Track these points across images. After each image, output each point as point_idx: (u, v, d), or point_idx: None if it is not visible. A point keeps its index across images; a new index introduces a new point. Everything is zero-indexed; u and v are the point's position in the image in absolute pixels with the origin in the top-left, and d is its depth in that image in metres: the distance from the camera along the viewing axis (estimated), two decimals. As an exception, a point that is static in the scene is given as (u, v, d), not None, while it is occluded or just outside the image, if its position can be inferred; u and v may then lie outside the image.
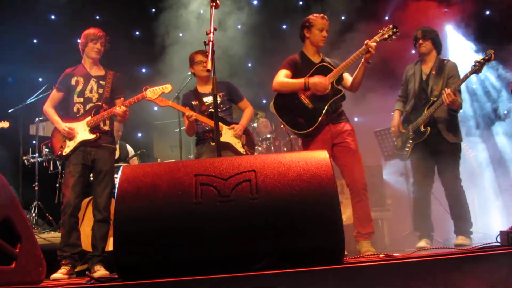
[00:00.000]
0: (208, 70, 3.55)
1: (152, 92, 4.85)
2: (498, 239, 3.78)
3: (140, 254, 2.36)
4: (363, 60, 4.57)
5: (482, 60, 4.81)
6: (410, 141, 5.19)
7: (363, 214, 4.61)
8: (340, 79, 4.73)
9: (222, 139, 5.12)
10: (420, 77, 5.23)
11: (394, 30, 4.62)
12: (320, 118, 4.58)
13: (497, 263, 2.36)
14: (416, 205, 5.30)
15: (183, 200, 2.40)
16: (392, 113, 5.46)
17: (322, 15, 4.81)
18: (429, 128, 5.06)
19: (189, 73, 6.13)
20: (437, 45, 5.24)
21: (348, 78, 4.86)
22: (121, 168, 2.63)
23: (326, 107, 4.60)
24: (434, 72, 5.15)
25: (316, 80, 4.57)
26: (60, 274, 4.26)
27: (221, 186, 2.43)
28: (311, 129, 4.60)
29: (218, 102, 5.20)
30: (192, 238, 2.36)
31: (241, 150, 5.20)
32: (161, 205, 2.40)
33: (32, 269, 2.78)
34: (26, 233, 2.77)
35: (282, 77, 4.74)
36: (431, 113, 5.02)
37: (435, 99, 5.03)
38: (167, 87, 4.93)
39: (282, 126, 4.83)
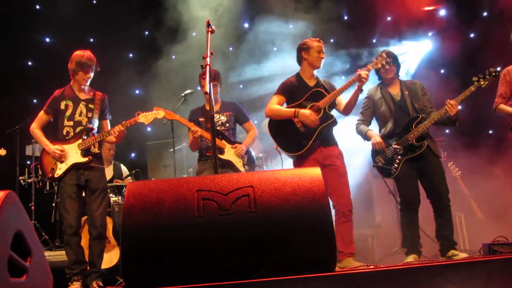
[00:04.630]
0: (206, 93, 3.68)
1: (144, 117, 4.93)
2: (481, 252, 3.99)
3: (145, 264, 2.51)
4: (356, 88, 4.83)
5: (488, 76, 4.90)
6: (400, 157, 5.03)
7: (347, 235, 4.73)
8: (332, 105, 4.98)
9: (224, 157, 5.29)
10: (391, 99, 5.20)
11: (388, 59, 4.95)
12: (310, 142, 4.81)
13: (478, 270, 2.55)
14: (405, 222, 5.11)
15: (186, 214, 2.57)
16: (365, 135, 5.31)
17: (317, 39, 5.08)
18: (425, 142, 4.99)
19: (182, 94, 6.30)
20: (399, 68, 5.30)
21: (341, 101, 5.08)
22: (126, 185, 2.80)
23: (316, 132, 4.83)
24: (407, 93, 5.20)
25: (307, 113, 4.80)
26: None
27: (222, 201, 2.60)
28: (301, 151, 4.82)
29: (224, 121, 5.43)
30: (195, 249, 2.52)
31: (242, 169, 5.33)
32: (166, 218, 2.56)
33: (41, 281, 2.92)
34: (35, 247, 2.91)
35: (275, 104, 5.00)
36: (426, 127, 4.97)
37: (424, 115, 5.08)
38: (160, 113, 5.05)
39: (275, 146, 5.02)
